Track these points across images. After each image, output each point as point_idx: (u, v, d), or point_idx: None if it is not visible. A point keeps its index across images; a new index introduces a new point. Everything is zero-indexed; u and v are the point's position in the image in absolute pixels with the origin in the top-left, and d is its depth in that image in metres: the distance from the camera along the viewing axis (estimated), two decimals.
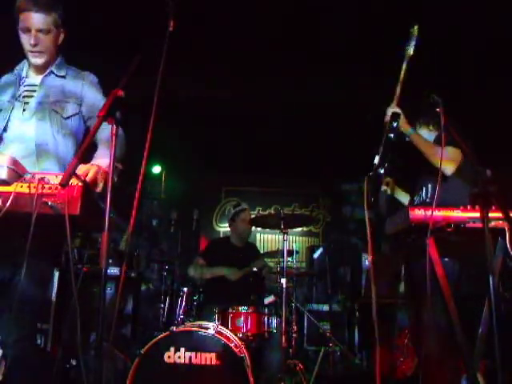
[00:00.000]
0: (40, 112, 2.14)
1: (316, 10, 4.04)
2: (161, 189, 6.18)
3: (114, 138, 1.58)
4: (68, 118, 2.18)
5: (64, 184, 1.47)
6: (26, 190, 1.61)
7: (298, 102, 5.35)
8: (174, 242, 5.36)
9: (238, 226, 4.43)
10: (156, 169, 6.53)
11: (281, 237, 3.68)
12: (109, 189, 1.53)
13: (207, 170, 6.78)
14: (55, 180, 1.64)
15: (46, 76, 2.22)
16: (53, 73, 2.23)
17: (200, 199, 6.90)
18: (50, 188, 1.62)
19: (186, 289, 3.80)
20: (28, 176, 1.67)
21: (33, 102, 2.16)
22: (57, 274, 3.52)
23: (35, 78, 2.23)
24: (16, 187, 1.62)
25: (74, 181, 1.61)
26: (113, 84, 1.65)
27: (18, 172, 1.70)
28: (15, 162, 1.72)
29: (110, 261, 4.82)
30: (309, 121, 5.61)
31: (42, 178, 1.64)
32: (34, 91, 2.19)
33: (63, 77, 2.25)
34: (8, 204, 1.58)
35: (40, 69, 2.23)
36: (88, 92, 2.24)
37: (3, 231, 1.74)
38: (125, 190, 1.96)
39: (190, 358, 2.75)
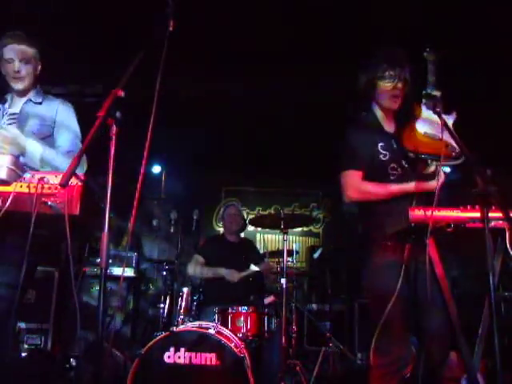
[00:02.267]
0: None
1: (316, 10, 4.04)
2: (161, 189, 6.18)
3: (113, 138, 1.58)
4: (43, 138, 2.36)
5: (64, 184, 1.47)
6: (26, 190, 1.61)
7: (298, 101, 5.35)
8: (173, 242, 5.36)
9: (225, 220, 4.49)
10: (156, 169, 6.53)
11: (281, 237, 3.68)
12: (109, 189, 1.53)
13: (207, 170, 6.78)
14: (55, 180, 1.64)
15: (25, 103, 2.46)
16: (31, 100, 2.47)
17: (200, 199, 6.89)
18: (49, 188, 1.62)
19: (185, 289, 3.79)
20: (28, 176, 1.67)
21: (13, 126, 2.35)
22: (57, 274, 3.53)
23: (16, 107, 2.47)
24: (16, 187, 1.62)
25: (73, 180, 1.61)
26: (113, 84, 1.65)
27: (17, 172, 1.70)
28: (15, 162, 1.72)
29: (110, 261, 4.83)
30: (309, 121, 5.60)
31: (42, 178, 1.64)
32: (15, 119, 2.42)
33: (40, 103, 2.48)
34: (8, 204, 1.58)
35: (20, 95, 2.48)
36: (60, 117, 2.45)
37: (3, 231, 1.74)
38: (125, 190, 1.96)
39: (190, 358, 2.75)
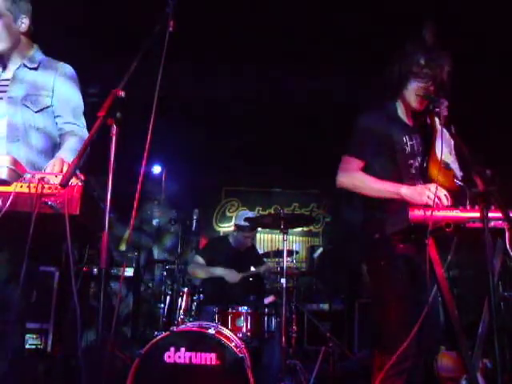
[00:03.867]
0: (12, 107, 2.11)
1: (316, 10, 4.04)
2: (161, 189, 6.18)
3: (113, 138, 1.58)
4: (38, 111, 2.14)
5: (64, 184, 1.47)
6: (26, 190, 1.61)
7: (299, 101, 5.36)
8: (174, 242, 5.36)
9: (239, 237, 4.42)
10: (156, 169, 6.54)
11: (281, 237, 3.67)
12: (109, 189, 1.54)
13: (207, 170, 6.79)
14: (55, 180, 1.64)
15: (17, 69, 2.17)
16: (25, 66, 2.18)
17: (200, 199, 6.90)
18: (49, 188, 1.62)
19: (186, 289, 3.80)
20: (28, 176, 1.67)
21: (5, 97, 2.13)
22: (57, 273, 3.53)
23: (8, 73, 2.18)
24: (16, 187, 1.62)
25: (73, 180, 1.61)
26: (113, 84, 1.65)
27: (17, 172, 1.70)
28: (15, 162, 1.72)
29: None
30: (309, 121, 5.61)
31: (42, 178, 1.64)
32: (7, 86, 2.15)
33: (35, 69, 2.19)
34: (8, 204, 1.58)
35: (6, 58, 2.18)
36: (60, 85, 2.19)
37: (3, 231, 1.75)
38: (125, 190, 1.96)
39: (190, 358, 2.74)
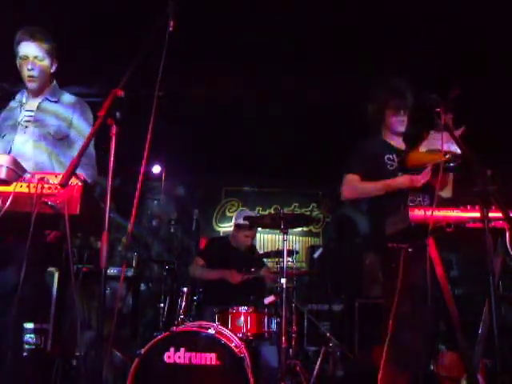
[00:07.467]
0: (37, 134, 2.39)
1: (316, 9, 4.04)
2: (161, 189, 6.18)
3: (113, 137, 1.58)
4: (60, 139, 2.43)
5: (64, 184, 1.47)
6: (26, 190, 1.61)
7: (298, 101, 5.35)
8: (173, 242, 5.36)
9: (239, 236, 4.41)
10: (156, 169, 6.54)
11: (281, 237, 3.67)
12: (108, 189, 1.53)
13: (207, 170, 6.78)
14: (55, 180, 1.64)
15: (41, 102, 2.48)
16: (47, 99, 2.49)
17: (200, 199, 6.90)
18: (49, 188, 1.62)
19: (185, 289, 3.79)
20: (28, 176, 1.67)
21: (31, 125, 2.42)
22: (57, 274, 3.53)
23: (32, 104, 2.48)
24: (16, 187, 1.62)
25: (73, 180, 1.61)
26: (113, 84, 1.65)
27: (17, 172, 1.70)
28: (15, 162, 1.72)
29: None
30: (309, 121, 5.61)
31: (42, 178, 1.64)
32: (32, 116, 2.44)
33: (56, 102, 2.50)
34: (8, 204, 1.58)
35: (36, 94, 2.49)
36: (77, 118, 2.50)
37: (3, 231, 1.75)
38: (125, 190, 1.96)
39: (190, 358, 2.74)
